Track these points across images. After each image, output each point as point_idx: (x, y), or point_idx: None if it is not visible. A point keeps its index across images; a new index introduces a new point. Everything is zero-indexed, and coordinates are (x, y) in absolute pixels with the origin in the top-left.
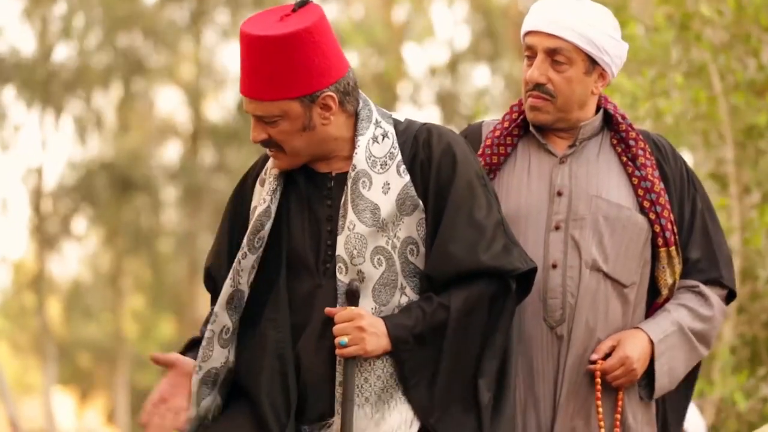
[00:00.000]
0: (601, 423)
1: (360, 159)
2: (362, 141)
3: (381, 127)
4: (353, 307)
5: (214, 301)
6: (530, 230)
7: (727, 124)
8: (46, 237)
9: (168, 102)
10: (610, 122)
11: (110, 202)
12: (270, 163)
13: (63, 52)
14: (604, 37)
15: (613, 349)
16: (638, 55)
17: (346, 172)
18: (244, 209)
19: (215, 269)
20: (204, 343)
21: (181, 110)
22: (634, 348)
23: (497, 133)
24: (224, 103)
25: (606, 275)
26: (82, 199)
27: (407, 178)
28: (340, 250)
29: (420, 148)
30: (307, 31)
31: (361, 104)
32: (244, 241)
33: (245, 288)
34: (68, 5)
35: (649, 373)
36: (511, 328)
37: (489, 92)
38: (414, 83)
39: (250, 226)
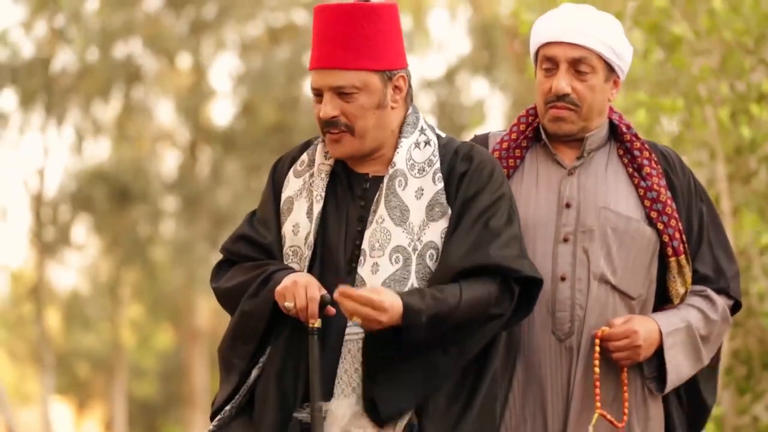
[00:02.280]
0: (598, 391)
1: (400, 160)
2: (405, 143)
3: (425, 134)
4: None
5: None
6: (539, 242)
7: (717, 141)
8: (45, 245)
9: (166, 112)
10: (615, 132)
11: (109, 211)
12: (320, 156)
13: (62, 60)
14: (621, 43)
15: (621, 324)
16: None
17: (382, 176)
18: (276, 191)
19: (260, 235)
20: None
21: (180, 120)
22: (642, 326)
23: (505, 144)
24: (223, 113)
25: (614, 287)
26: (81, 208)
27: (441, 185)
28: (365, 243)
29: (459, 161)
30: (394, 8)
31: (410, 110)
32: (302, 245)
33: None
34: (68, 14)
35: (659, 366)
36: (500, 333)
37: (485, 103)
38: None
39: (312, 229)
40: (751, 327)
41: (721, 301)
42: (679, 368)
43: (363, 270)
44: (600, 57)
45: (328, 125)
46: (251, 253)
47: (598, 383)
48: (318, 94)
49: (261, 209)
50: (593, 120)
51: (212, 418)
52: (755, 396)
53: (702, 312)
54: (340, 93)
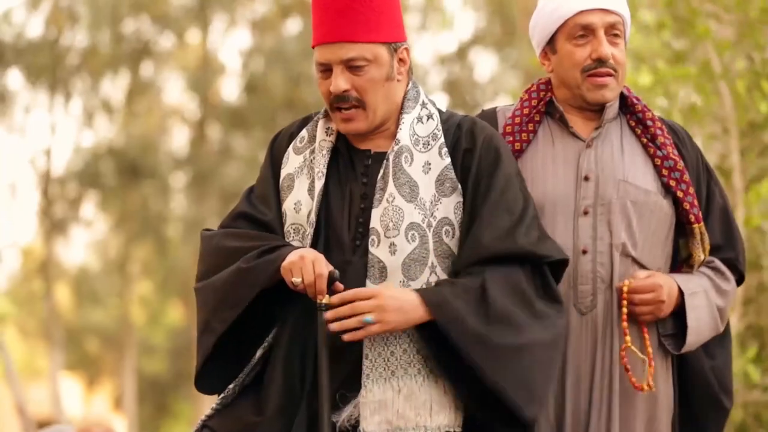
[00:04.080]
0: (628, 340)
1: (404, 135)
2: (407, 119)
3: (427, 108)
4: (374, 286)
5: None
6: (558, 216)
7: (731, 116)
8: (54, 222)
9: (176, 88)
10: (625, 104)
11: (118, 187)
12: (321, 133)
13: (70, 37)
14: (628, 11)
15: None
16: (643, 50)
17: (385, 152)
18: (275, 168)
19: (260, 213)
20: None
21: (189, 96)
22: (666, 282)
23: (517, 119)
24: (232, 89)
25: (634, 260)
26: (90, 185)
27: (448, 160)
28: (375, 222)
29: (463, 136)
30: None
31: (410, 84)
32: (303, 221)
33: None
34: None
35: (677, 324)
36: (555, 309)
37: (497, 80)
38: (423, 69)
39: (314, 205)
40: (764, 302)
41: (730, 273)
42: (699, 329)
43: (379, 251)
44: (623, 22)
45: (338, 100)
46: (251, 231)
47: (627, 336)
48: (325, 69)
49: (260, 186)
50: (622, 86)
51: (197, 380)
52: (765, 369)
53: (714, 282)
54: (351, 66)
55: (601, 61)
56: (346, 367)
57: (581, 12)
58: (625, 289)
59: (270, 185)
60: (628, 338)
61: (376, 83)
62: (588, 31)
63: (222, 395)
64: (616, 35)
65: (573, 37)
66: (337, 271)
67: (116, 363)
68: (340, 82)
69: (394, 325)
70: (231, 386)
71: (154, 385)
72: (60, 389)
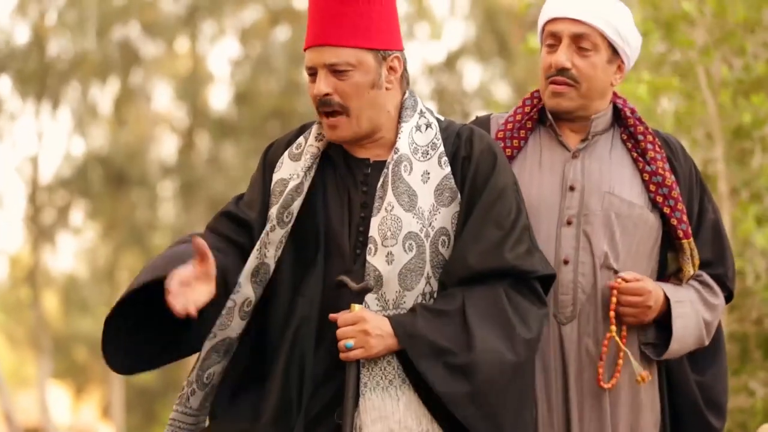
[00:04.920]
0: (613, 329)
1: (403, 144)
2: (405, 128)
3: (425, 117)
4: (357, 311)
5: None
6: (542, 224)
7: (716, 123)
8: (41, 229)
9: (164, 96)
10: (619, 117)
11: (106, 196)
12: (311, 138)
13: (58, 44)
14: (628, 28)
15: (635, 281)
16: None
17: (384, 161)
18: (268, 174)
19: (243, 213)
20: (224, 312)
21: (178, 105)
22: (654, 289)
23: (509, 126)
24: (221, 97)
25: (616, 272)
26: (78, 193)
27: (448, 169)
28: (374, 231)
29: (462, 145)
30: None
31: (407, 94)
32: (273, 213)
33: (271, 262)
34: None
35: (659, 333)
36: (539, 315)
37: (486, 89)
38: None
39: (280, 200)
40: (747, 308)
41: (718, 288)
42: (684, 338)
43: (376, 260)
44: (603, 36)
45: (322, 104)
46: (230, 231)
47: (613, 326)
48: (313, 73)
49: (248, 191)
50: (594, 100)
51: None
52: (750, 373)
53: (701, 294)
54: (335, 71)
55: (558, 70)
56: (341, 376)
57: (551, 20)
58: (616, 286)
59: (258, 190)
60: (613, 328)
61: (360, 89)
62: (555, 39)
63: (179, 396)
64: (585, 47)
65: (545, 44)
66: (371, 283)
67: (104, 371)
68: (322, 85)
69: (377, 351)
70: (185, 384)
71: (143, 393)
72: (48, 397)
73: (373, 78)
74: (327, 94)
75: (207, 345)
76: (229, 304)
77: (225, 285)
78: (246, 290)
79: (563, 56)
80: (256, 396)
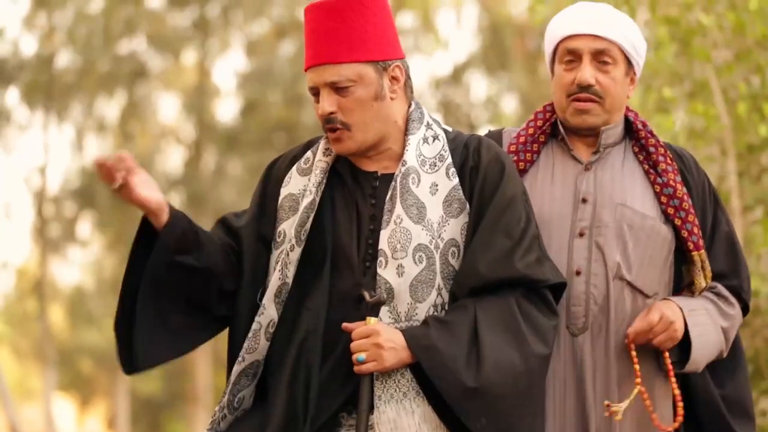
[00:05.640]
0: (645, 395)
1: (410, 157)
2: (413, 140)
3: (432, 129)
4: (371, 323)
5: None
6: (554, 236)
7: (729, 138)
8: (48, 241)
9: (171, 109)
10: (630, 130)
11: (112, 208)
12: (319, 153)
13: (66, 57)
14: (638, 39)
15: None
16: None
17: (392, 173)
18: (271, 188)
19: (235, 220)
20: (250, 334)
21: (185, 117)
22: (665, 306)
23: (522, 139)
24: (227, 110)
25: (629, 284)
26: (85, 205)
27: (456, 180)
28: (383, 244)
29: (470, 155)
30: None
31: (413, 106)
32: (292, 233)
33: (290, 281)
34: (72, 10)
35: (679, 348)
36: (551, 326)
37: (493, 101)
38: (417, 92)
39: (297, 219)
40: (758, 326)
41: (734, 299)
42: (704, 345)
43: (386, 272)
44: (621, 50)
45: (327, 122)
46: (221, 234)
47: (644, 391)
48: (316, 93)
49: (250, 209)
50: (614, 113)
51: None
52: (761, 392)
53: (716, 304)
54: (337, 88)
55: (582, 87)
56: (347, 389)
57: (570, 36)
58: (631, 339)
59: (255, 202)
60: (638, 380)
61: (363, 103)
62: (575, 56)
63: (211, 420)
64: (605, 62)
65: (562, 61)
66: (384, 296)
67: (110, 383)
68: (325, 104)
69: (390, 364)
70: (217, 410)
71: (148, 405)
72: (53, 409)
73: (375, 90)
74: (332, 113)
75: (236, 369)
76: (255, 326)
77: (199, 249)
78: (270, 311)
79: (588, 73)
80: (262, 409)
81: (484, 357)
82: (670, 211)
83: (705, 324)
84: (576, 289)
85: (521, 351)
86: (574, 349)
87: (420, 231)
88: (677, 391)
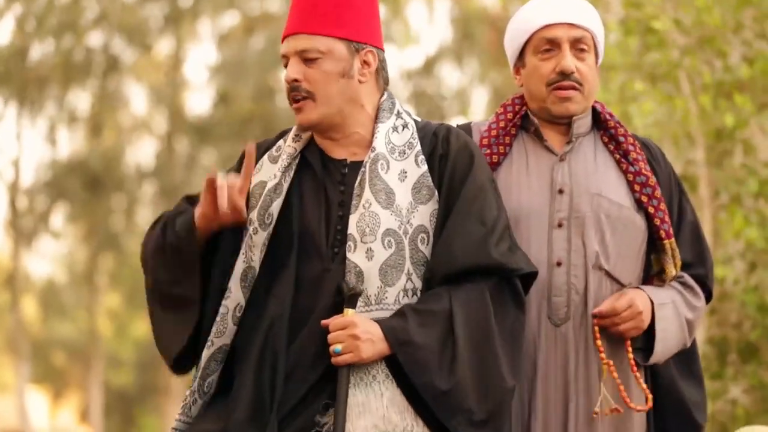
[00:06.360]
0: (612, 367)
1: (380, 144)
2: (382, 128)
3: (402, 118)
4: (348, 315)
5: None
6: (533, 228)
7: (697, 126)
8: (21, 234)
9: (143, 101)
10: (598, 120)
11: (85, 200)
12: (289, 140)
13: (38, 48)
14: (601, 28)
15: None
16: (605, 60)
17: (362, 161)
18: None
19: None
20: (218, 318)
21: (156, 109)
22: (636, 295)
23: (494, 132)
24: (199, 102)
25: (607, 273)
26: (58, 197)
27: (425, 167)
28: (352, 228)
29: (439, 143)
30: None
31: (385, 96)
32: (254, 216)
33: (257, 266)
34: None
35: (644, 338)
36: (520, 322)
37: (465, 93)
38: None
39: (260, 202)
40: (726, 312)
41: (700, 289)
42: (667, 340)
43: (356, 256)
44: (593, 38)
45: (292, 90)
46: (184, 206)
47: (602, 353)
48: (287, 63)
49: None
50: (590, 101)
51: (175, 364)
52: (730, 379)
53: (683, 296)
54: (305, 58)
55: (564, 75)
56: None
57: (547, 26)
58: (595, 321)
59: None
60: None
61: (329, 76)
62: (553, 45)
63: (182, 405)
64: (582, 50)
65: (539, 51)
66: (360, 287)
67: (83, 376)
68: (291, 71)
69: (367, 356)
70: (188, 394)
71: (121, 397)
72: (26, 402)
73: (344, 67)
74: (296, 80)
75: (206, 354)
76: (222, 310)
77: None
78: (237, 295)
79: (570, 60)
80: (228, 395)
81: (457, 348)
82: (644, 199)
83: (670, 318)
84: (557, 280)
85: (491, 343)
86: (557, 339)
87: (389, 216)
88: (641, 380)
